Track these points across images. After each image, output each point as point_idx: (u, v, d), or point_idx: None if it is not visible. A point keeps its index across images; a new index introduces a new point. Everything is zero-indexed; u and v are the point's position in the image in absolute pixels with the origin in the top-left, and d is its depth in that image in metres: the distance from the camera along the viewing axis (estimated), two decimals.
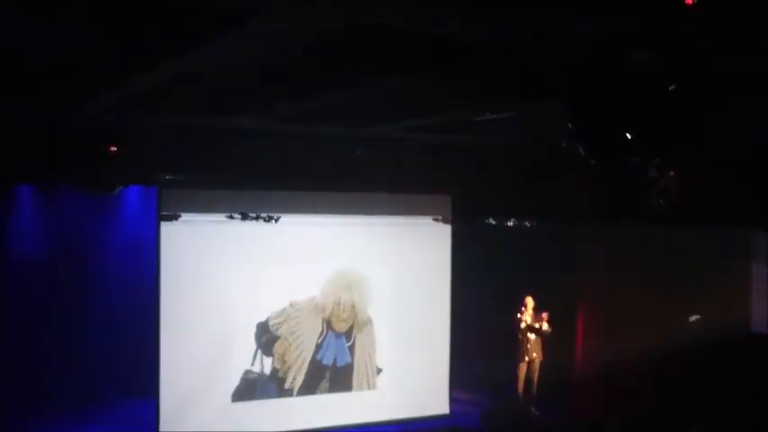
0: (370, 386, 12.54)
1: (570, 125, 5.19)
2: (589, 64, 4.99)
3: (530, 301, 12.80)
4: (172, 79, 6.58)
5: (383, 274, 12.52)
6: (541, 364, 12.88)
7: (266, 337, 11.81)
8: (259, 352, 11.78)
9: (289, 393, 11.98)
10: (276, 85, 7.03)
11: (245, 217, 11.36)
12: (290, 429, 11.75)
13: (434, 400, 12.85)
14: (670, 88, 4.83)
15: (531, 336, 12.78)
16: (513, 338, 12.88)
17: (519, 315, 12.74)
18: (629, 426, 10.14)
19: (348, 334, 12.38)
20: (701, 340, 11.82)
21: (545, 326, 12.64)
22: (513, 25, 4.85)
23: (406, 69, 6.27)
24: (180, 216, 11.21)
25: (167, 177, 10.94)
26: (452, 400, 13.00)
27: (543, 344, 12.85)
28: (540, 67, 6.06)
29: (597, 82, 4.99)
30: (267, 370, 11.83)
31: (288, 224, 11.61)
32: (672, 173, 8.35)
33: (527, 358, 12.82)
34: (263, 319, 11.79)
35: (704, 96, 4.88)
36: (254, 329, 11.73)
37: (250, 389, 11.73)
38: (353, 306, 12.38)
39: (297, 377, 12.02)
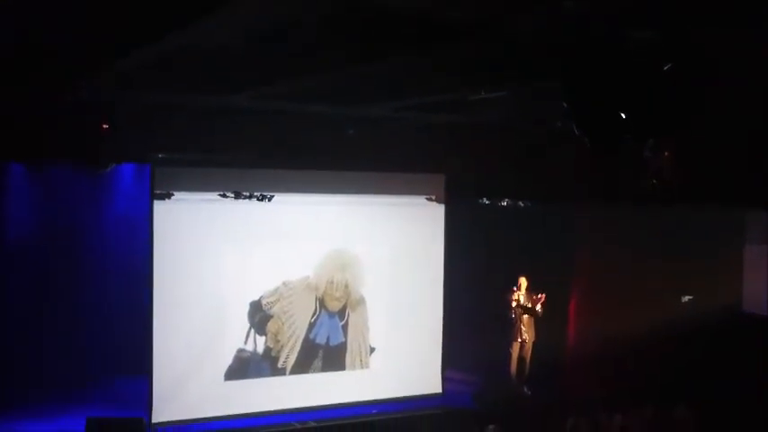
0: (363, 365, 12.56)
1: (565, 104, 5.17)
2: (585, 43, 4.96)
3: (523, 282, 12.80)
4: (165, 57, 6.53)
5: (377, 253, 12.51)
6: (534, 344, 12.91)
7: (259, 316, 11.80)
8: (252, 331, 11.77)
9: (282, 372, 11.99)
10: (270, 63, 6.99)
11: (238, 196, 11.32)
12: (282, 408, 11.78)
13: (427, 379, 12.88)
14: (665, 68, 4.80)
15: (524, 316, 12.79)
16: (506, 319, 12.90)
17: (512, 295, 12.75)
18: (620, 405, 10.18)
19: (341, 313, 12.38)
20: (694, 321, 11.87)
21: (538, 307, 12.66)
22: (509, 5, 4.82)
23: (401, 49, 6.23)
24: (173, 195, 11.16)
25: (160, 156, 10.89)
26: (445, 379, 13.03)
27: (536, 324, 12.87)
28: (536, 47, 6.03)
29: (593, 61, 4.97)
30: (260, 349, 11.83)
31: (281, 203, 11.57)
32: (667, 153, 8.34)
33: (519, 339, 12.84)
34: (257, 297, 11.78)
35: (701, 76, 4.85)
36: (247, 308, 11.72)
37: (243, 367, 11.74)
38: (347, 285, 12.38)
39: (290, 356, 12.03)
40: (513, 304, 12.74)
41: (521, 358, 12.96)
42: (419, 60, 6.53)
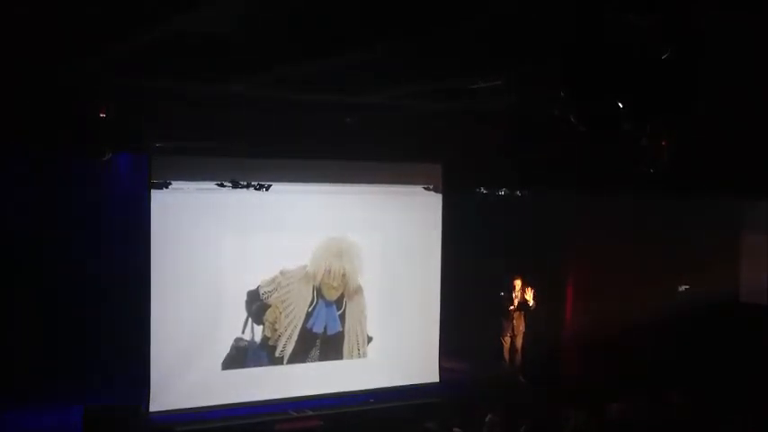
0: (361, 354, 12.57)
1: (562, 92, 5.16)
2: (581, 29, 4.95)
3: (518, 283, 12.92)
4: (163, 44, 6.51)
5: (374, 242, 12.52)
6: (524, 335, 13.03)
7: (257, 305, 11.81)
8: (250, 320, 11.78)
9: (279, 361, 12.00)
10: (267, 51, 6.98)
11: (235, 185, 11.32)
12: (280, 397, 11.79)
13: (424, 368, 12.90)
14: (663, 57, 4.79)
15: (518, 312, 12.93)
16: (500, 311, 12.99)
17: (506, 294, 12.86)
18: (617, 393, 10.21)
19: (339, 302, 12.39)
20: (690, 310, 11.89)
21: (530, 301, 12.79)
22: None
23: (398, 35, 6.21)
24: (170, 184, 11.16)
25: (158, 144, 10.87)
26: (442, 368, 13.05)
27: (526, 316, 12.99)
28: (533, 34, 6.02)
29: (590, 48, 4.96)
30: (258, 338, 11.84)
31: (278, 192, 11.57)
32: (664, 142, 8.33)
33: (510, 333, 12.98)
34: (254, 287, 11.78)
35: (698, 64, 4.84)
36: (244, 297, 11.73)
37: (240, 357, 11.75)
38: (344, 274, 12.38)
39: (287, 345, 12.04)
40: (510, 307, 12.86)
41: (513, 349, 13.07)
42: (418, 45, 6.51)
